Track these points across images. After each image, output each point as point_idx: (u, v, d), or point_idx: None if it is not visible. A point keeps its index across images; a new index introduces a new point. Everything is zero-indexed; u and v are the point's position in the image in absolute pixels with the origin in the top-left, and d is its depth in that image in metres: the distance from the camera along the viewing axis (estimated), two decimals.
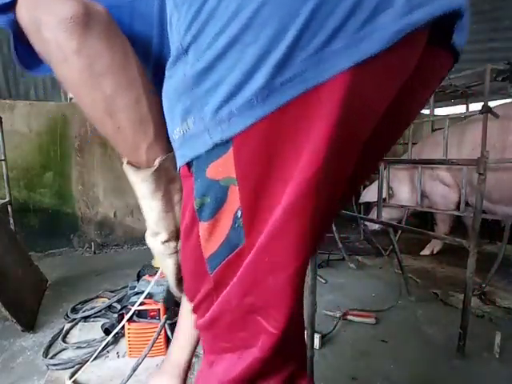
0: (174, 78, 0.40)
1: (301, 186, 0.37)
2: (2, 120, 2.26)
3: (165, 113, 0.43)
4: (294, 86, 0.34)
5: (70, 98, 3.96)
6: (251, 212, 0.40)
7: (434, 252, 2.83)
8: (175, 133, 0.42)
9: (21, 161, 2.79)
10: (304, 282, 0.47)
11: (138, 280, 1.66)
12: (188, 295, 0.51)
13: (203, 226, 0.42)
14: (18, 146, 2.76)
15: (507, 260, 2.25)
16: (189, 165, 0.42)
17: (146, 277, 1.60)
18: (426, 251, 2.85)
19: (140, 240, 3.15)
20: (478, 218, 1.38)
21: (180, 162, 0.43)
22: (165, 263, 0.55)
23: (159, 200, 0.50)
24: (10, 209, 2.32)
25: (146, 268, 1.92)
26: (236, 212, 0.40)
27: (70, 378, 1.24)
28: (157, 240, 0.54)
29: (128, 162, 0.49)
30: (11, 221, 2.32)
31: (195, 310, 0.49)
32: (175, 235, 0.54)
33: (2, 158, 2.30)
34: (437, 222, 2.83)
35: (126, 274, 2.29)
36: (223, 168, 0.38)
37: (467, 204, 2.14)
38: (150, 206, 0.51)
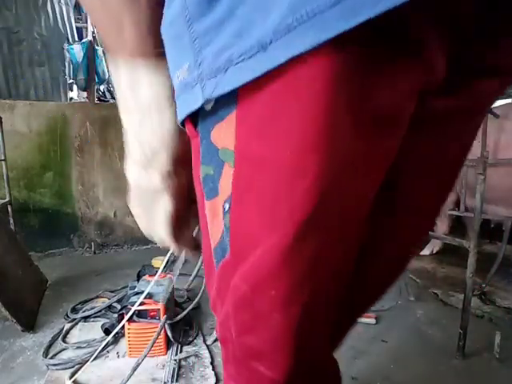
0: (173, 5, 0.31)
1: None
2: (2, 120, 2.26)
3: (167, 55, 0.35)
4: (312, 27, 0.22)
5: (71, 98, 3.97)
6: (240, 212, 0.30)
7: (434, 252, 2.83)
8: (175, 81, 0.33)
9: (21, 161, 2.79)
10: (328, 323, 0.39)
11: (138, 280, 1.66)
12: (206, 281, 0.43)
13: (207, 205, 0.34)
14: (18, 145, 2.76)
15: (507, 260, 2.25)
16: (194, 122, 0.34)
17: (146, 277, 1.61)
18: (425, 251, 2.85)
19: (140, 240, 3.14)
20: (477, 218, 1.38)
21: (179, 117, 0.35)
22: (155, 206, 0.43)
23: (164, 75, 0.37)
24: (10, 209, 2.31)
25: (146, 268, 1.92)
26: (224, 203, 0.31)
27: (70, 378, 1.24)
28: (152, 170, 0.39)
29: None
30: (11, 221, 2.32)
31: (213, 307, 0.42)
32: (178, 163, 0.40)
33: (2, 157, 2.29)
34: (436, 221, 2.84)
35: (126, 274, 2.29)
36: (224, 134, 0.30)
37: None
38: (150, 83, 0.37)
